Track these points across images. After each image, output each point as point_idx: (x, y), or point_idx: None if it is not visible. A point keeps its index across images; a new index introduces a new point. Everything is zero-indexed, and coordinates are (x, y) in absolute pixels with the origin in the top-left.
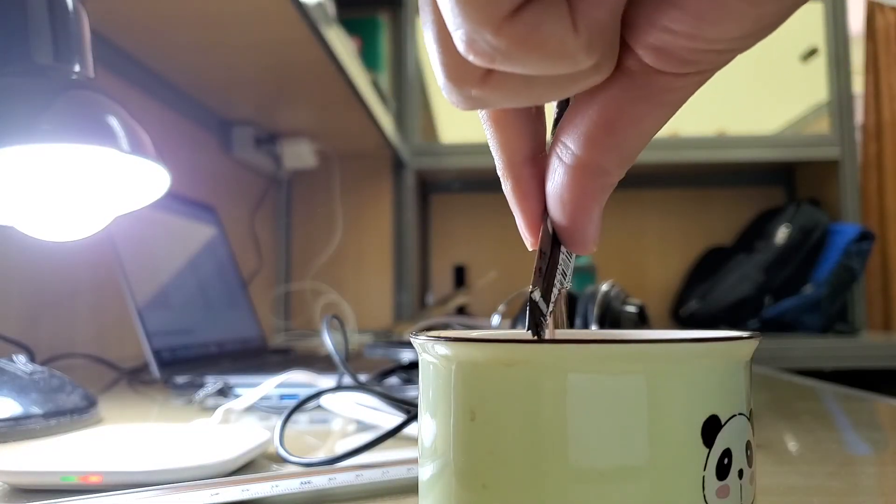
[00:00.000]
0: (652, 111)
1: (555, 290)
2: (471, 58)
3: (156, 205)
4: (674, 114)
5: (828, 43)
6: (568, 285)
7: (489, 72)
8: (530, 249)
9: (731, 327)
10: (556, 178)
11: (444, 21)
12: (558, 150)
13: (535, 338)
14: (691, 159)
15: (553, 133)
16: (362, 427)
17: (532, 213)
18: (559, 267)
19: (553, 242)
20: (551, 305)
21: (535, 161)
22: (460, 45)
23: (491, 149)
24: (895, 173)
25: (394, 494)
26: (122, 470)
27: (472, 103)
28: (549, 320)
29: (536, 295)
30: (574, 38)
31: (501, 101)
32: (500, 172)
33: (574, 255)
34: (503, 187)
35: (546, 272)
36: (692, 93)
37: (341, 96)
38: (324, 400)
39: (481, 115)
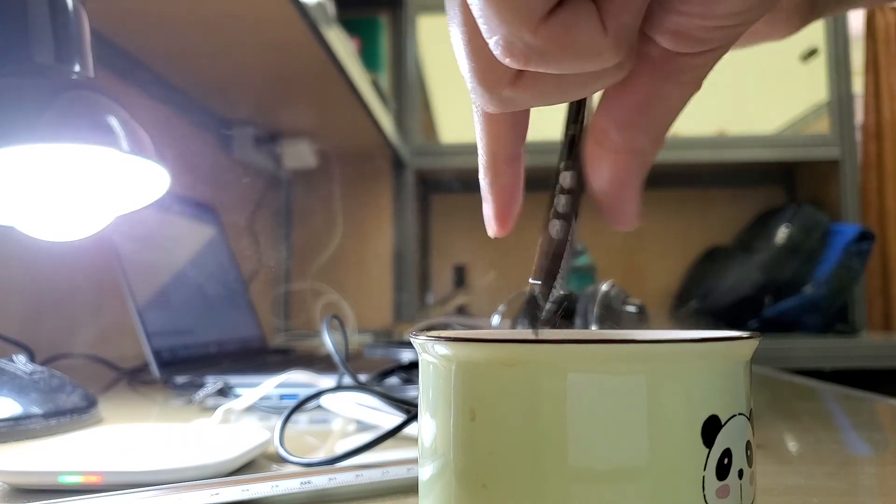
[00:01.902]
0: (676, 90)
1: (556, 289)
2: (507, 60)
3: (156, 205)
4: (696, 90)
5: (828, 43)
6: (561, 283)
7: (520, 73)
8: (492, 236)
9: (731, 327)
10: (601, 165)
11: (474, 25)
12: (599, 139)
13: (535, 336)
14: (691, 159)
15: (566, 128)
16: (362, 427)
17: (503, 205)
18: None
19: (558, 246)
20: (550, 301)
21: (515, 161)
22: (497, 49)
23: (477, 141)
24: (895, 173)
25: (394, 494)
26: (122, 470)
27: (505, 104)
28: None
29: (538, 294)
30: (603, 37)
31: (532, 100)
32: (481, 165)
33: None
34: (481, 179)
35: (549, 270)
36: (710, 69)
37: (341, 96)
38: (324, 400)
39: (475, 108)
